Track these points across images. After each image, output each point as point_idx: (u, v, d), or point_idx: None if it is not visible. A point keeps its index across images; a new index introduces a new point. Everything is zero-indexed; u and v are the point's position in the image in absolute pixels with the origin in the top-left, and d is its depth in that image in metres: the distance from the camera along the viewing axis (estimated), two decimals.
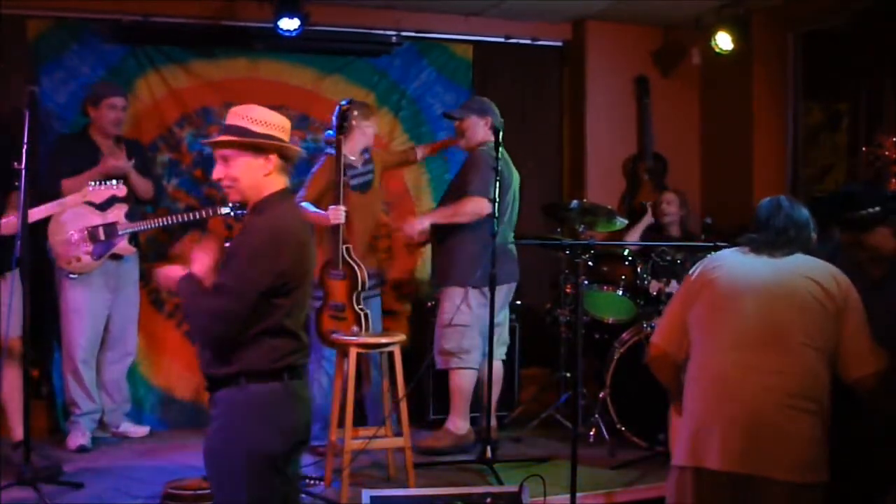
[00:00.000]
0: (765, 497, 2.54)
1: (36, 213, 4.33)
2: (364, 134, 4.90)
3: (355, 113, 4.71)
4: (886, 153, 3.85)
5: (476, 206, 4.64)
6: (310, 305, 2.89)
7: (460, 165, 5.02)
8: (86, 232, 4.70)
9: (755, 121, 5.96)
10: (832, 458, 2.62)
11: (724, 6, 5.72)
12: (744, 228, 2.99)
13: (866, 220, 3.18)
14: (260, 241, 2.64)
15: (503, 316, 4.85)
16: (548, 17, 6.30)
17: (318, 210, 4.59)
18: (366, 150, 4.96)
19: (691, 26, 6.13)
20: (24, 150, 3.92)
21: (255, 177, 2.72)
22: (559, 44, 6.49)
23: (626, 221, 5.27)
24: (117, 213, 4.76)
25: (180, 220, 4.92)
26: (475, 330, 4.72)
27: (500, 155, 4.50)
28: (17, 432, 4.42)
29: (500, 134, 4.51)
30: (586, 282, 5.10)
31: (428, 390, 5.16)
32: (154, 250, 5.51)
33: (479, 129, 4.83)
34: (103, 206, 4.69)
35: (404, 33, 5.93)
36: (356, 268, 4.45)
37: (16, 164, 3.93)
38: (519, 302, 5.57)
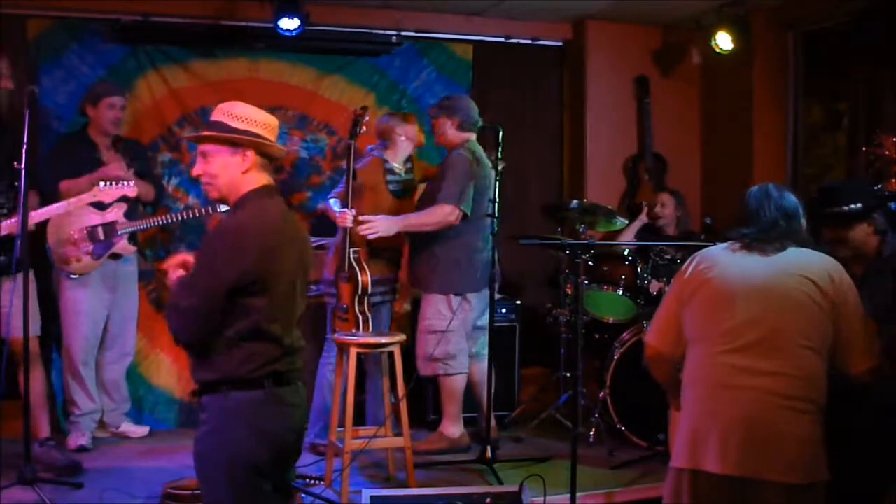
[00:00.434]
0: (764, 499, 2.53)
1: (43, 214, 4.33)
2: (403, 142, 4.93)
3: (366, 118, 4.70)
4: (886, 153, 3.85)
5: (443, 215, 4.62)
6: (302, 307, 2.79)
7: None
8: (85, 232, 4.70)
9: (755, 121, 5.96)
10: (832, 457, 2.61)
11: (724, 6, 5.72)
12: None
13: (847, 216, 3.17)
14: (224, 239, 2.61)
15: (486, 319, 4.84)
16: (548, 17, 6.30)
17: (335, 209, 4.65)
18: (408, 160, 4.99)
19: (691, 26, 6.13)
20: (23, 150, 3.91)
21: (232, 174, 2.68)
22: (559, 44, 6.49)
23: (627, 221, 5.27)
24: (116, 213, 4.77)
25: (179, 219, 4.93)
26: (459, 335, 4.72)
27: (499, 154, 4.50)
28: (43, 430, 4.42)
29: (500, 134, 4.50)
30: (586, 282, 5.09)
31: (427, 391, 5.16)
32: (154, 250, 5.52)
33: (448, 130, 4.82)
34: (102, 206, 4.69)
35: (404, 33, 5.93)
36: (358, 272, 4.47)
37: (16, 163, 3.93)
38: (519, 302, 5.58)
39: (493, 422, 4.58)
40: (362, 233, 4.50)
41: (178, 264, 2.76)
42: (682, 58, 6.41)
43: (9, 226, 4.18)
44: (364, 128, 4.65)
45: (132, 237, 4.92)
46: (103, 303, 4.91)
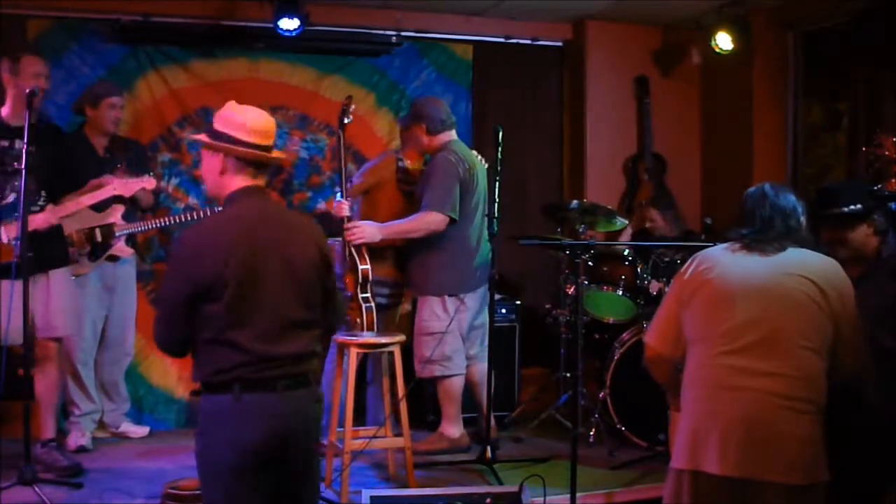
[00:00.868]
0: (764, 500, 2.53)
1: (60, 211, 4.33)
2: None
3: (352, 108, 4.69)
4: (886, 153, 3.84)
5: (427, 223, 4.61)
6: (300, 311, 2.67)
7: None
8: (83, 233, 4.69)
9: (755, 121, 5.97)
10: (832, 457, 2.61)
11: (724, 6, 5.72)
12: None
13: (847, 217, 3.16)
14: (179, 247, 2.63)
15: (482, 318, 4.84)
16: (548, 17, 6.30)
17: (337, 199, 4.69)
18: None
19: (691, 26, 6.14)
20: (24, 151, 3.91)
21: (213, 176, 2.72)
22: (559, 44, 6.49)
23: (626, 221, 5.27)
24: (114, 215, 4.76)
25: (178, 220, 4.93)
26: (455, 336, 4.71)
27: (499, 154, 4.49)
28: (49, 430, 4.42)
29: (500, 134, 4.50)
30: (586, 282, 5.09)
31: (427, 391, 5.15)
32: (153, 251, 5.52)
33: (422, 136, 4.81)
34: (100, 207, 4.69)
35: (404, 33, 5.93)
36: (357, 260, 4.46)
37: (16, 164, 3.93)
38: (519, 302, 5.58)
39: (492, 422, 4.58)
40: (347, 238, 4.51)
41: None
42: (682, 58, 6.41)
43: (37, 221, 4.18)
44: (351, 117, 4.64)
45: (129, 238, 4.91)
46: (102, 303, 4.91)
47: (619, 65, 6.38)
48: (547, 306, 5.44)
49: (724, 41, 5.75)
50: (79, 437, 4.81)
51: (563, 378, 5.24)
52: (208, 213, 4.83)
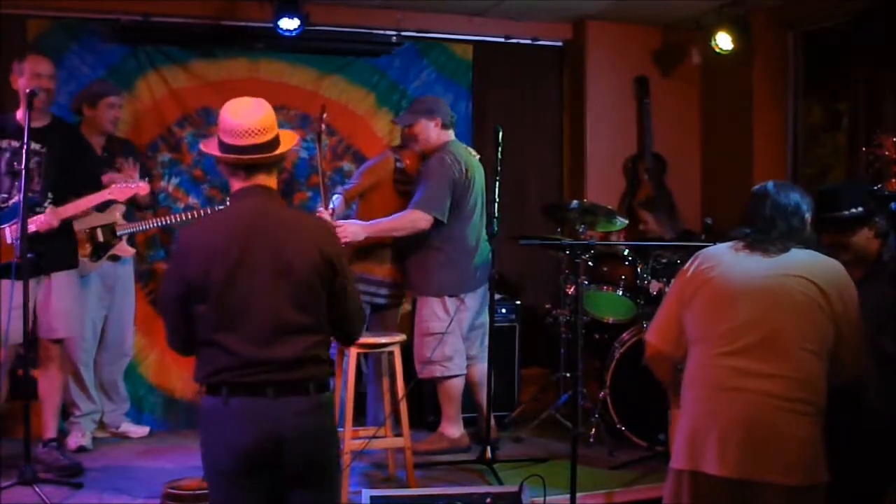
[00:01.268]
0: (763, 501, 2.53)
1: (61, 213, 4.33)
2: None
3: (325, 115, 4.72)
4: (886, 153, 3.83)
5: (411, 222, 4.60)
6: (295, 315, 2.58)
7: None
8: (84, 233, 4.69)
9: (755, 121, 5.97)
10: (832, 458, 2.61)
11: (724, 6, 5.72)
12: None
13: (848, 220, 3.14)
14: (175, 243, 2.70)
15: (483, 318, 4.85)
16: (548, 17, 6.30)
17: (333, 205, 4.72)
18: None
19: (691, 26, 6.14)
20: (24, 151, 3.91)
21: (225, 177, 2.74)
22: (559, 44, 6.49)
23: (626, 221, 5.27)
24: (115, 215, 4.76)
25: (178, 220, 4.93)
26: (455, 336, 4.71)
27: (499, 154, 4.49)
28: (50, 430, 4.42)
29: (500, 134, 4.50)
30: (586, 282, 5.09)
31: (427, 391, 5.15)
32: (153, 250, 5.52)
33: (431, 131, 4.79)
34: (101, 207, 4.68)
35: (404, 33, 5.93)
36: None
37: (16, 164, 3.93)
38: (519, 302, 5.58)
39: (492, 422, 4.58)
40: (344, 239, 4.51)
41: None
42: (682, 58, 6.41)
43: (37, 223, 4.17)
44: (324, 126, 4.65)
45: (129, 238, 4.91)
46: (101, 303, 4.91)
47: (619, 65, 6.38)
48: (547, 306, 5.44)
49: (724, 41, 5.75)
50: (79, 437, 4.81)
51: (563, 378, 5.24)
52: (208, 213, 4.83)
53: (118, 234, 4.77)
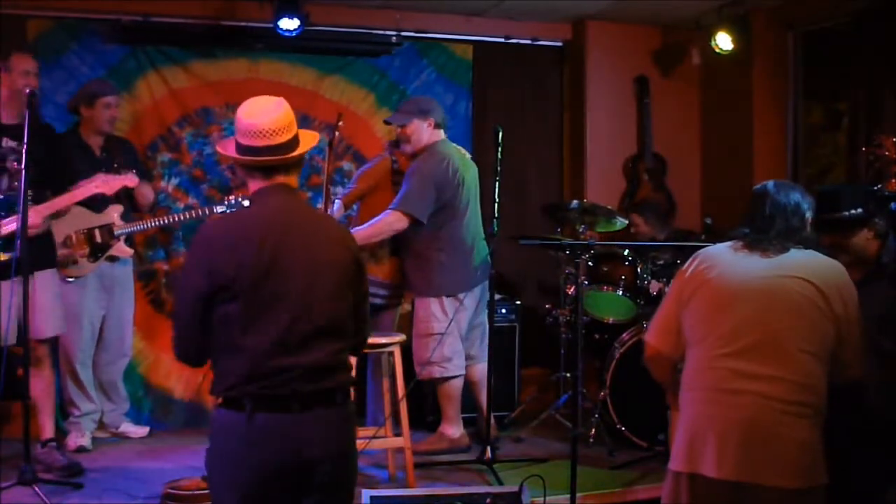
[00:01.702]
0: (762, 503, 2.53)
1: (43, 210, 4.33)
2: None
3: (341, 123, 4.72)
4: (886, 153, 3.83)
5: (386, 224, 4.58)
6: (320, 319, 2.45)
7: None
8: (82, 234, 4.69)
9: (755, 121, 5.97)
10: (832, 457, 2.60)
11: (724, 6, 5.73)
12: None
13: (848, 221, 3.13)
14: (199, 235, 2.49)
15: (481, 318, 4.85)
16: (548, 17, 6.30)
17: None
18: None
19: (691, 26, 6.14)
20: (24, 151, 3.91)
21: (244, 177, 2.62)
22: (559, 44, 6.50)
23: (626, 221, 5.27)
24: (113, 215, 4.76)
25: (177, 220, 4.92)
26: (454, 337, 4.71)
27: (499, 154, 4.49)
28: (47, 431, 4.41)
29: (500, 134, 4.50)
30: (586, 282, 5.09)
31: (427, 391, 5.15)
32: (153, 250, 5.52)
33: (424, 131, 4.76)
34: (99, 208, 4.68)
35: (404, 33, 5.93)
36: None
37: (15, 164, 3.93)
38: (519, 302, 5.58)
39: (492, 422, 4.57)
40: None
41: None
42: (682, 58, 6.41)
43: (8, 224, 4.17)
44: (337, 133, 4.65)
45: (127, 238, 4.90)
46: (99, 304, 4.90)
47: (619, 65, 6.38)
48: (547, 306, 5.43)
49: (724, 41, 5.75)
50: (78, 437, 4.81)
51: (563, 378, 5.24)
52: (206, 213, 4.82)
53: (116, 234, 4.77)
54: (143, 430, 5.16)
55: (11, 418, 4.68)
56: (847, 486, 2.74)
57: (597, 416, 5.00)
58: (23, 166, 3.90)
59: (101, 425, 5.06)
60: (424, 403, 5.22)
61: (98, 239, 4.73)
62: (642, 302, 5.16)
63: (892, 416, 2.93)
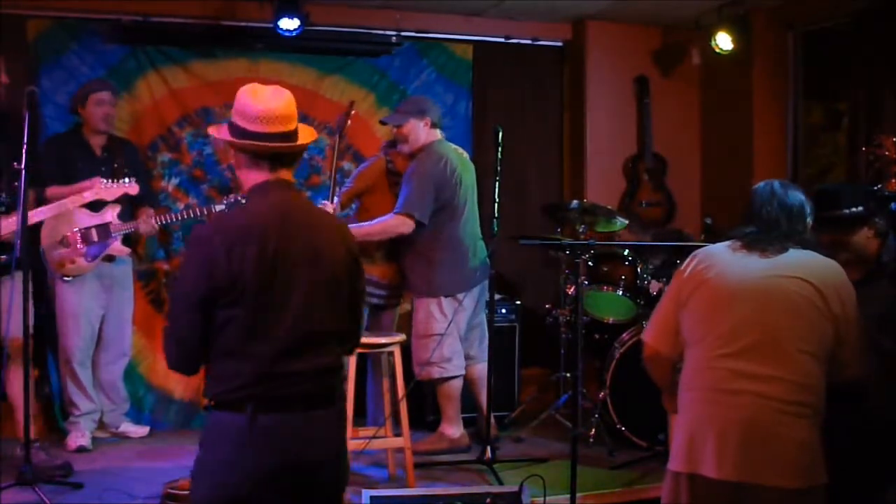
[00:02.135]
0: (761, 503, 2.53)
1: (39, 214, 4.33)
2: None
3: (353, 112, 4.71)
4: (886, 153, 3.82)
5: (390, 226, 4.59)
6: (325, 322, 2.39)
7: None
8: (79, 234, 4.69)
9: (755, 121, 5.97)
10: (832, 457, 2.60)
11: (724, 6, 5.73)
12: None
13: (848, 219, 3.13)
14: (199, 232, 2.34)
15: (480, 317, 4.85)
16: (548, 17, 6.30)
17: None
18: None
19: (691, 26, 6.14)
20: (23, 151, 3.91)
21: (238, 170, 2.46)
22: (559, 44, 6.49)
23: (626, 221, 5.27)
24: (111, 214, 4.75)
25: (174, 219, 4.92)
26: (453, 337, 4.70)
27: (499, 154, 4.49)
28: (30, 431, 4.41)
29: (500, 134, 4.50)
30: (586, 282, 5.09)
31: (427, 391, 5.15)
32: (153, 250, 5.52)
33: (421, 131, 4.76)
34: (96, 207, 4.68)
35: (404, 33, 5.93)
36: None
37: (15, 164, 3.93)
38: (519, 302, 5.58)
39: (492, 421, 4.57)
40: None
41: None
42: (682, 58, 6.42)
43: (8, 226, 4.17)
44: (349, 122, 4.63)
45: (127, 238, 4.90)
46: (98, 303, 4.90)
47: (619, 65, 6.38)
48: (547, 306, 5.44)
49: (724, 41, 5.75)
50: (79, 437, 4.81)
51: (563, 378, 5.24)
52: (204, 213, 4.81)
53: (112, 234, 4.76)
54: (143, 430, 5.16)
55: (11, 418, 4.67)
56: (847, 486, 2.74)
57: (597, 416, 5.00)
58: (23, 166, 3.90)
59: (101, 425, 5.06)
60: (424, 403, 5.22)
61: (95, 238, 4.72)
62: (642, 302, 5.16)
63: (892, 416, 2.93)
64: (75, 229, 4.68)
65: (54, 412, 5.16)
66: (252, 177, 2.42)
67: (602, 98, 6.35)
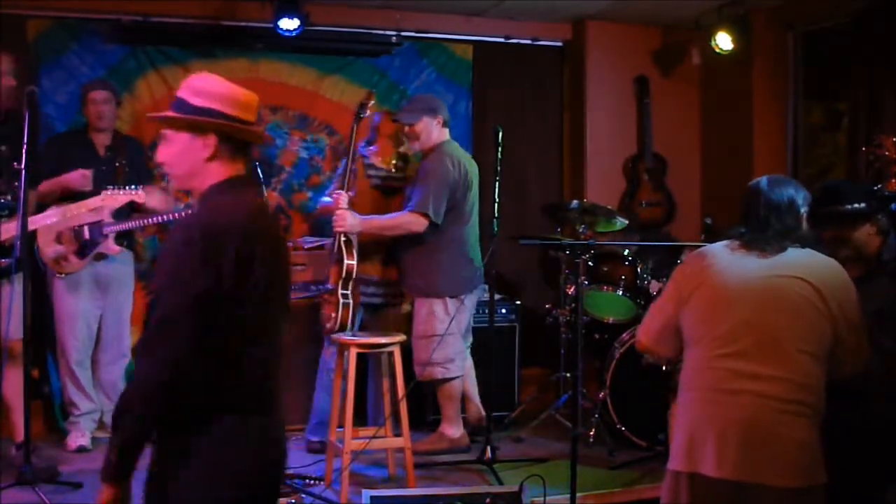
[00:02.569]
0: (761, 503, 2.52)
1: (41, 220, 4.32)
2: (392, 139, 4.91)
3: (371, 103, 4.67)
4: (886, 153, 3.82)
5: (405, 223, 4.60)
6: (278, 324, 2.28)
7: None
8: (72, 232, 4.68)
9: (755, 121, 5.97)
10: (832, 457, 2.60)
11: (724, 6, 5.73)
12: None
13: (851, 215, 3.13)
14: (203, 235, 2.08)
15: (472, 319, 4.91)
16: (548, 17, 6.30)
17: (326, 200, 4.70)
18: (402, 157, 4.91)
19: (691, 26, 6.14)
20: (23, 151, 3.91)
21: (193, 161, 2.19)
22: (559, 44, 6.50)
23: (626, 221, 5.27)
24: (103, 212, 4.73)
25: (169, 219, 4.90)
26: (456, 337, 4.72)
27: (499, 154, 4.49)
28: (20, 433, 4.40)
29: (500, 134, 4.50)
30: (586, 282, 5.09)
31: (427, 391, 5.15)
32: (153, 250, 5.52)
33: (434, 130, 4.76)
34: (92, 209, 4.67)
35: (404, 33, 5.93)
36: (345, 255, 4.45)
37: (15, 164, 3.93)
38: (519, 302, 5.58)
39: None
40: (333, 226, 4.50)
41: None
42: (682, 58, 6.42)
43: (8, 230, 4.16)
44: (368, 111, 4.62)
45: (124, 238, 4.88)
46: (95, 304, 4.88)
47: (619, 65, 6.38)
48: (547, 306, 5.43)
49: (724, 41, 5.75)
50: (79, 436, 4.81)
51: (563, 378, 5.24)
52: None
53: (105, 232, 4.73)
54: None
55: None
56: (847, 486, 2.74)
57: (597, 416, 5.00)
58: (23, 166, 3.90)
59: (102, 425, 5.05)
60: (425, 403, 5.22)
61: (86, 236, 4.70)
62: (642, 302, 5.16)
63: (892, 416, 2.93)
64: (68, 227, 4.67)
65: (54, 412, 5.15)
66: (224, 169, 2.21)
67: (602, 98, 6.35)
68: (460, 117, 6.12)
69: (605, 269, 5.28)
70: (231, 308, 2.09)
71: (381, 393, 4.49)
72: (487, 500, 3.61)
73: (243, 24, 5.61)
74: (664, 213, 6.44)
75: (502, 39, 6.28)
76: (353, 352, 4.20)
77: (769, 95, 5.97)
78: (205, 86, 2.21)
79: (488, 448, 4.43)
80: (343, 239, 4.48)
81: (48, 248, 4.67)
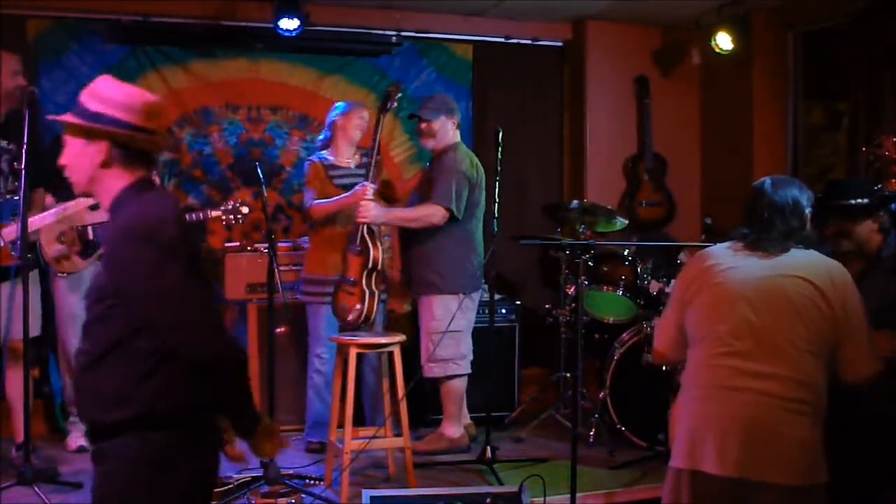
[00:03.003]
0: (762, 501, 2.52)
1: (40, 220, 4.32)
2: (349, 133, 4.89)
3: (398, 95, 4.62)
4: (886, 153, 3.83)
5: (427, 214, 4.60)
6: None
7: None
8: (75, 232, 4.68)
9: (755, 121, 5.97)
10: (832, 457, 2.60)
11: (724, 6, 5.73)
12: None
13: (854, 210, 3.15)
14: (161, 223, 2.10)
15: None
16: (548, 17, 6.30)
17: (340, 195, 4.66)
18: (365, 153, 4.88)
19: (691, 26, 6.14)
20: (23, 151, 3.91)
21: (88, 166, 2.17)
22: (559, 44, 6.50)
23: (626, 221, 5.28)
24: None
25: None
26: (468, 334, 4.73)
27: (499, 154, 4.49)
28: (21, 434, 4.40)
29: (500, 134, 4.50)
30: (586, 282, 5.09)
31: (426, 391, 5.15)
32: None
33: (450, 130, 4.77)
34: (92, 206, 4.67)
35: (404, 33, 5.93)
36: (371, 245, 4.42)
37: (15, 164, 3.93)
38: (519, 302, 5.58)
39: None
40: (357, 216, 4.47)
41: None
42: (682, 58, 6.42)
43: (8, 234, 4.16)
44: (395, 104, 4.59)
45: None
46: None
47: (619, 65, 6.38)
48: (547, 306, 5.43)
49: (724, 41, 5.75)
50: (79, 436, 4.79)
51: (563, 378, 5.24)
52: (204, 216, 4.78)
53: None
54: None
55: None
56: (847, 486, 2.75)
57: (597, 416, 5.00)
58: (23, 166, 3.89)
59: None
60: (425, 403, 5.22)
61: (90, 236, 4.71)
62: (642, 302, 5.16)
63: (892, 416, 2.93)
64: (71, 226, 4.67)
65: (55, 412, 5.15)
66: (123, 175, 2.19)
67: (602, 98, 6.35)
68: (460, 117, 6.11)
69: (605, 269, 5.28)
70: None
71: (381, 393, 4.48)
72: (487, 500, 3.61)
73: (243, 24, 5.61)
74: (664, 213, 6.44)
75: (502, 39, 6.28)
76: (353, 352, 4.20)
77: (769, 95, 5.97)
78: (104, 91, 2.18)
79: (488, 448, 4.43)
80: (366, 230, 4.45)
81: (49, 247, 4.67)
